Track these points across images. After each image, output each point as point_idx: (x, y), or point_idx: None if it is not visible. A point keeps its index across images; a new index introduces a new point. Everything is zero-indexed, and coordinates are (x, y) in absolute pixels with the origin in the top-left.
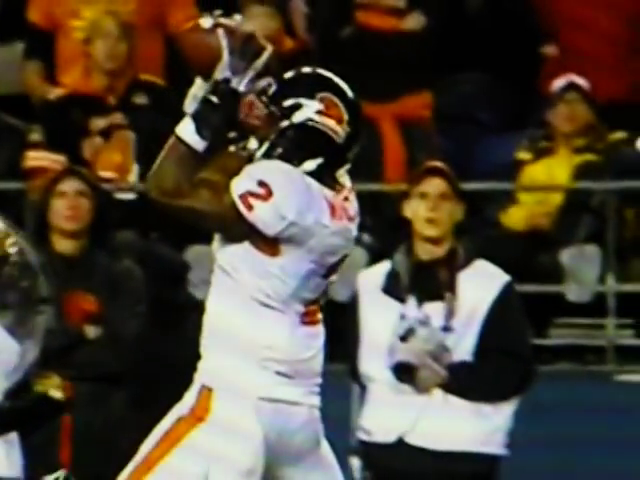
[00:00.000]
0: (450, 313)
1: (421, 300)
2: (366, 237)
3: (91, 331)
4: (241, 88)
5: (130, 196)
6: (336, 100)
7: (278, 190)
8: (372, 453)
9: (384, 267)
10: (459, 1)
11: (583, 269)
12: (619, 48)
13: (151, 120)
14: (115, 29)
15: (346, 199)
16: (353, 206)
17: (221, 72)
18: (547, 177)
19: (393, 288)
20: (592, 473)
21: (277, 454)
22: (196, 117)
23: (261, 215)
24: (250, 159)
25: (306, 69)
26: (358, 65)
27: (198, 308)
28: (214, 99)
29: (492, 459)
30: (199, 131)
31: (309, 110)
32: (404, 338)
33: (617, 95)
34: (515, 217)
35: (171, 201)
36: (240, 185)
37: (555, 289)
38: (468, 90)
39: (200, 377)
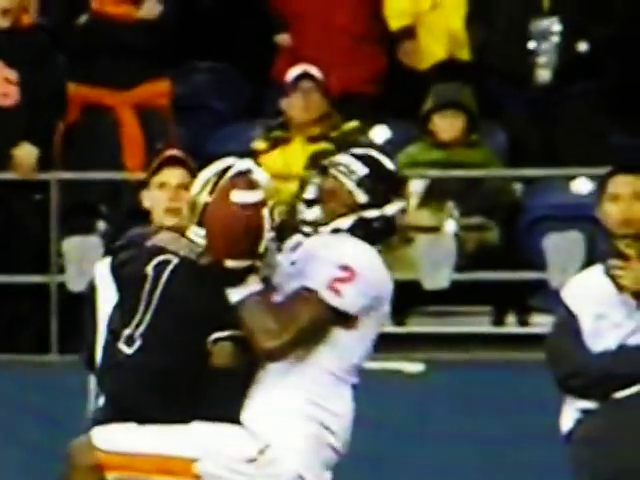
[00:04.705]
0: None
1: None
2: (102, 225)
3: None
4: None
5: None
6: None
7: (361, 269)
8: None
9: None
10: None
11: None
12: (352, 41)
13: None
14: None
15: None
16: None
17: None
18: (283, 166)
19: None
20: None
21: None
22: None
23: (349, 298)
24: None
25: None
26: (94, 53)
27: None
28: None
29: None
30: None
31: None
32: None
33: (350, 86)
34: None
35: (287, 334)
36: (324, 274)
37: None
38: (202, 79)
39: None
